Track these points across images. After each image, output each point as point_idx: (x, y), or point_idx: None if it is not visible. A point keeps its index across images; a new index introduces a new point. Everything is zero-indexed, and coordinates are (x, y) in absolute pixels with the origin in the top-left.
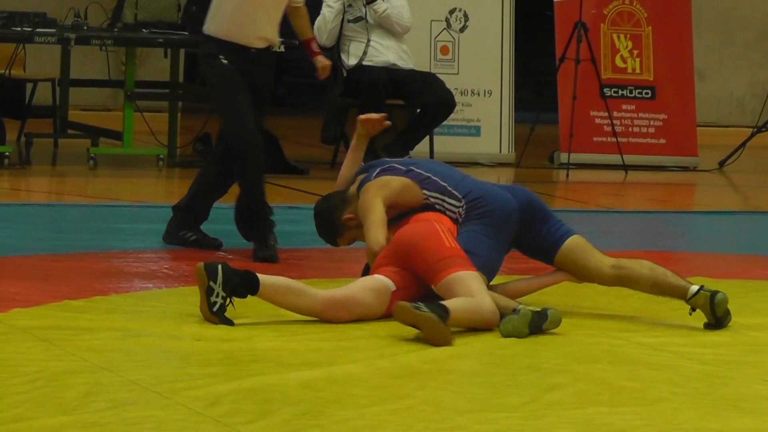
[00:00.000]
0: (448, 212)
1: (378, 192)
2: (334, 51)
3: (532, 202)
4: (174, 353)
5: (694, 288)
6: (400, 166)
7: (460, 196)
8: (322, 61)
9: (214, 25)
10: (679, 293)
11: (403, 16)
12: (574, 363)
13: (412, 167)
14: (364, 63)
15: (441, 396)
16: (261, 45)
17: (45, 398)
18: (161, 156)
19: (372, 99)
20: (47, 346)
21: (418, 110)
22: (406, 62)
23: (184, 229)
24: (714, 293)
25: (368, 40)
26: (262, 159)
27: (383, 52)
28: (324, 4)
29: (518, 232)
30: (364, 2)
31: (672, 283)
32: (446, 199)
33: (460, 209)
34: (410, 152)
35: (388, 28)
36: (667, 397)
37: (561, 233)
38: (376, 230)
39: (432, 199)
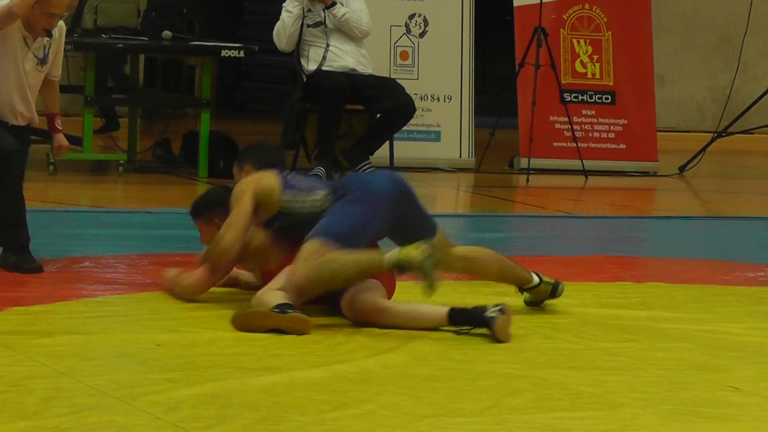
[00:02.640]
0: (311, 208)
1: (250, 186)
2: (293, 56)
3: (403, 187)
4: (134, 358)
5: (536, 279)
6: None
7: (322, 192)
8: (60, 140)
9: None
10: (523, 282)
11: (362, 20)
12: (534, 368)
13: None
14: (324, 68)
15: (401, 401)
16: (20, 122)
17: (4, 404)
18: (121, 161)
19: (331, 104)
20: (6, 351)
21: (378, 115)
22: (365, 67)
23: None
24: (556, 284)
25: (327, 45)
26: (18, 165)
27: (342, 57)
28: (283, 9)
29: (395, 215)
30: (323, 6)
31: (517, 273)
32: (305, 197)
33: (323, 199)
34: (370, 158)
35: (347, 32)
36: (627, 402)
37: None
38: (236, 231)
39: (288, 202)
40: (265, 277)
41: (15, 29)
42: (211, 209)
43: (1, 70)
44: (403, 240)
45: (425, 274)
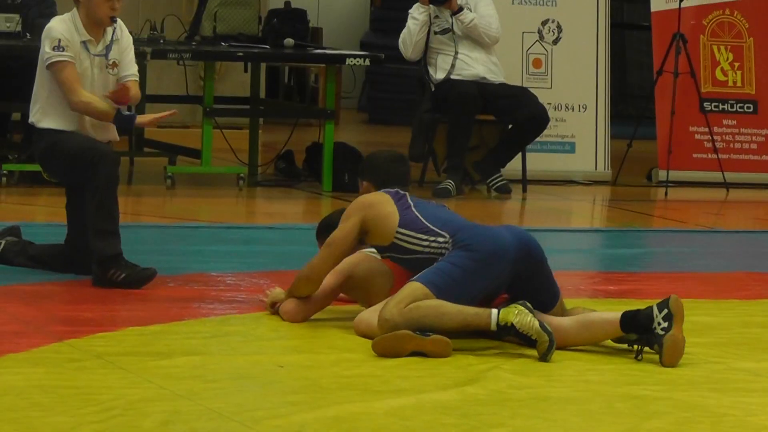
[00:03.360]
0: (426, 249)
1: (360, 211)
2: (421, 64)
3: (531, 248)
4: (255, 380)
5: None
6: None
7: (442, 239)
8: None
9: None
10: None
11: (492, 25)
12: (673, 390)
13: (412, 207)
14: (453, 77)
15: (535, 424)
16: (102, 137)
17: (121, 427)
18: (241, 174)
19: (462, 114)
20: (123, 373)
21: (510, 126)
22: (496, 75)
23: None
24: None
25: (456, 53)
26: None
27: (472, 65)
28: (409, 17)
29: (513, 276)
30: (451, 12)
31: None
32: (422, 239)
33: (445, 245)
34: (501, 170)
35: (476, 39)
36: None
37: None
38: (322, 260)
39: (403, 237)
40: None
41: (74, 41)
42: (330, 232)
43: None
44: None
45: (531, 335)
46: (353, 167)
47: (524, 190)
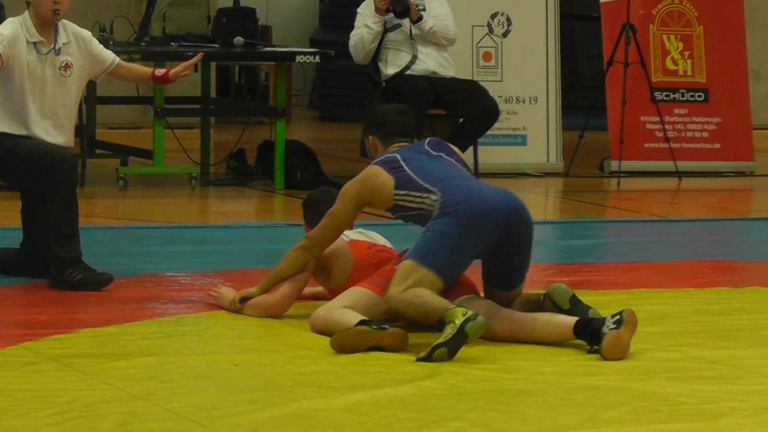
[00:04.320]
0: (422, 206)
1: (356, 186)
2: (371, 61)
3: (518, 216)
4: (212, 379)
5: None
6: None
7: (434, 196)
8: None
9: None
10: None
11: (449, 28)
12: (630, 379)
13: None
14: (397, 71)
15: (491, 417)
16: (55, 139)
17: (78, 429)
18: (194, 174)
19: (413, 109)
20: (79, 375)
21: (461, 120)
22: (447, 70)
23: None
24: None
25: (414, 57)
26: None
27: (423, 59)
28: (363, 25)
29: (495, 242)
30: (412, 21)
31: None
32: (416, 196)
33: (436, 203)
34: None
35: (434, 42)
36: (728, 413)
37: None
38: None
39: (401, 198)
40: (333, 294)
41: (20, 42)
42: (313, 209)
43: (11, 86)
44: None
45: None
46: (305, 164)
47: None
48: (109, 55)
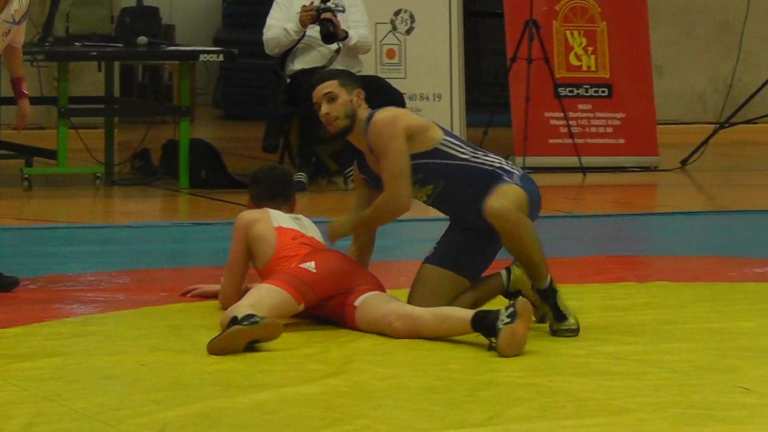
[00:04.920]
0: (474, 161)
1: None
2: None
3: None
4: (118, 379)
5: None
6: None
7: (490, 165)
8: (24, 107)
9: None
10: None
11: (368, 39)
12: (536, 375)
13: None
14: (306, 68)
15: (398, 414)
16: None
17: None
18: (98, 174)
19: (312, 106)
20: None
21: None
22: (351, 67)
23: None
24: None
25: (331, 61)
26: None
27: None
28: (282, 28)
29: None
30: (339, 39)
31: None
32: (469, 149)
33: (496, 162)
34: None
35: (353, 55)
36: (634, 407)
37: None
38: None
39: (449, 144)
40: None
41: None
42: (257, 186)
43: None
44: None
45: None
46: (209, 163)
47: None
48: (21, 36)
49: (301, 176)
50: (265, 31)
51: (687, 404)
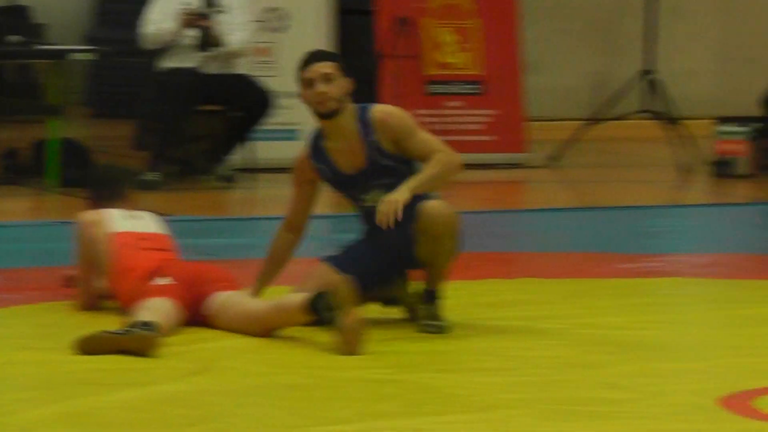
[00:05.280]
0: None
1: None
2: (149, 54)
3: None
4: None
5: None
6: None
7: None
8: None
9: None
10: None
11: (247, 42)
12: (402, 372)
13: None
14: (173, 65)
15: (264, 413)
16: None
17: None
18: None
19: (177, 103)
20: None
21: (235, 114)
22: (221, 64)
23: None
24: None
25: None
26: None
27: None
28: (161, 26)
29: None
30: (218, 44)
31: None
32: None
33: None
34: (228, 159)
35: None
36: (501, 404)
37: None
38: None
39: None
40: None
41: None
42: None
43: None
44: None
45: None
46: (79, 162)
47: (252, 179)
48: None
49: (155, 175)
50: (144, 25)
51: (553, 400)
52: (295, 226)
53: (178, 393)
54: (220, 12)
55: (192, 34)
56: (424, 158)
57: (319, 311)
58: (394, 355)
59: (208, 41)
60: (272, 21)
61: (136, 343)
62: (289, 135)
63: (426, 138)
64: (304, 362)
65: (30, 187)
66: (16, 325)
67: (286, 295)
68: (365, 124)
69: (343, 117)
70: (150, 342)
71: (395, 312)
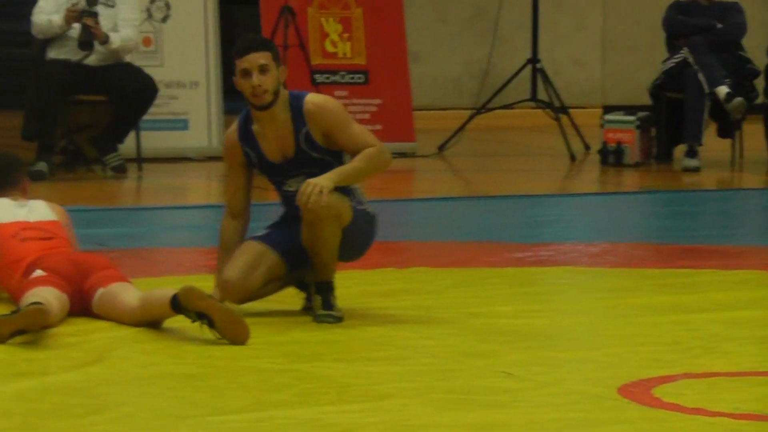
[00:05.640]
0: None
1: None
2: (35, 44)
3: None
4: None
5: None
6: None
7: None
8: None
9: None
10: None
11: (132, 39)
12: (297, 361)
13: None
14: (54, 57)
15: (160, 402)
16: None
17: None
18: None
19: (50, 94)
20: None
21: (118, 101)
22: (101, 55)
23: None
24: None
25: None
26: None
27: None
28: (48, 17)
29: None
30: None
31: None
32: None
33: None
34: (119, 147)
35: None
36: (396, 393)
37: None
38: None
39: None
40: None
41: None
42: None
43: None
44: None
45: None
46: None
47: (140, 169)
48: None
49: (42, 165)
50: (35, 12)
51: (448, 389)
52: (238, 211)
53: (74, 383)
54: (108, 6)
55: (75, 29)
56: (355, 152)
57: (182, 311)
58: (288, 345)
59: (88, 41)
60: (156, 11)
61: (28, 319)
62: (177, 125)
63: (358, 131)
64: (199, 352)
65: None
66: None
67: (158, 289)
68: (297, 113)
69: (275, 106)
70: (41, 315)
71: (294, 302)
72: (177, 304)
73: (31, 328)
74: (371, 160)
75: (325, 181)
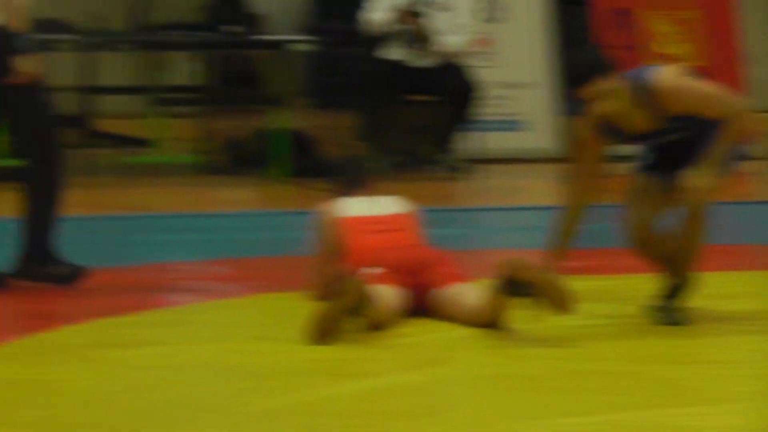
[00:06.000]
0: None
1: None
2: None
3: None
4: (221, 367)
5: None
6: None
7: None
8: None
9: None
10: None
11: (461, 45)
12: (638, 363)
13: None
14: (385, 57)
15: (503, 403)
16: None
17: (92, 418)
18: (192, 163)
19: (385, 94)
20: (94, 365)
21: (447, 102)
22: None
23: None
24: None
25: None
26: None
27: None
28: (384, 14)
29: None
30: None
31: None
32: None
33: None
34: (453, 147)
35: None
36: (733, 397)
37: None
38: None
39: None
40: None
41: None
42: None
43: None
44: None
45: None
46: (305, 152)
47: (472, 170)
48: None
49: (376, 164)
50: (369, 11)
51: None
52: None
53: (411, 383)
54: (444, 10)
55: (405, 29)
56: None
57: (515, 292)
58: (628, 347)
59: (417, 39)
60: (491, 12)
61: (352, 297)
62: (509, 126)
63: (710, 94)
64: (538, 353)
65: (254, 177)
66: (249, 314)
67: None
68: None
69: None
70: (358, 287)
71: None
72: (506, 283)
73: (358, 308)
74: (734, 136)
75: (705, 182)
